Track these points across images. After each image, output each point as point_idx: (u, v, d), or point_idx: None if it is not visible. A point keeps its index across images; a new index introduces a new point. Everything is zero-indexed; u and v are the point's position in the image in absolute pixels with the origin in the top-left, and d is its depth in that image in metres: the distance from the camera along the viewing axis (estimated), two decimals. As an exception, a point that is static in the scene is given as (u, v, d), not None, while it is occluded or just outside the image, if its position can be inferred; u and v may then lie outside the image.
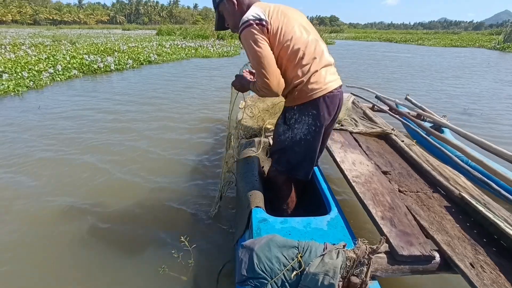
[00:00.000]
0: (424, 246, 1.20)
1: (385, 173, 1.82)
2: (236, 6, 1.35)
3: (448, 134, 3.13)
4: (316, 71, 1.32)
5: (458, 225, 1.35)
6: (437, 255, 1.18)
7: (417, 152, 2.11)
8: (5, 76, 6.52)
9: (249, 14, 1.26)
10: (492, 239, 1.27)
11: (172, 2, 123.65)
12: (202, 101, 5.43)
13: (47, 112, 4.62)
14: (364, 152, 2.12)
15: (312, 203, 1.83)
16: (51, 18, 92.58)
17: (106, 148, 3.31)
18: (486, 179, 1.94)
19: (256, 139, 2.05)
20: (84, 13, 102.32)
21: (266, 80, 1.27)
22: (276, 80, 1.28)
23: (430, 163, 1.93)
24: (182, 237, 1.66)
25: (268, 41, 1.26)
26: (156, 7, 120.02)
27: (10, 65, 7.59)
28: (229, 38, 22.23)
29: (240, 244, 1.38)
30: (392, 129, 2.50)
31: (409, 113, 3.54)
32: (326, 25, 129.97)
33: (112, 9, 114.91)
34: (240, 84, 1.54)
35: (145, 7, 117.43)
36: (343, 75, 7.71)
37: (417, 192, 1.63)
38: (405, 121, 3.34)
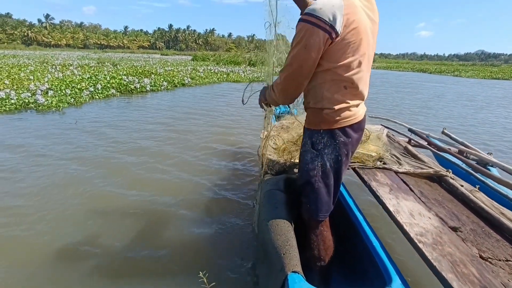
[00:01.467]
0: None
1: (455, 229, 1.42)
2: None
3: (496, 174, 2.68)
4: (357, 105, 1.20)
5: None
6: None
7: (484, 201, 1.70)
8: (50, 92, 7.00)
9: (320, 7, 1.00)
10: None
11: (208, 31, 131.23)
12: (234, 117, 5.41)
13: (83, 126, 4.80)
14: (420, 198, 1.71)
15: (354, 264, 1.51)
16: (99, 43, 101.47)
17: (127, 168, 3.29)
18: None
19: (284, 176, 1.78)
20: (128, 38, 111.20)
21: (279, 88, 1.20)
22: (285, 95, 1.21)
23: (508, 218, 1.52)
24: (200, 272, 1.48)
25: (324, 48, 1.05)
26: (193, 35, 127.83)
27: (56, 83, 8.18)
28: (260, 65, 22.79)
29: None
30: (447, 170, 2.07)
31: (449, 149, 3.05)
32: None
33: (153, 36, 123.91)
34: (263, 96, 1.42)
35: (183, 34, 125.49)
36: (378, 105, 7.42)
37: (507, 260, 1.24)
38: (449, 158, 2.85)
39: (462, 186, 1.85)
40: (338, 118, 1.17)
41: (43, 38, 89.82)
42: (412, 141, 3.28)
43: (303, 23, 1.02)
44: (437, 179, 2.04)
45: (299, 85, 1.15)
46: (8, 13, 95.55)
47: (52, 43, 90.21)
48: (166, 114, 6.05)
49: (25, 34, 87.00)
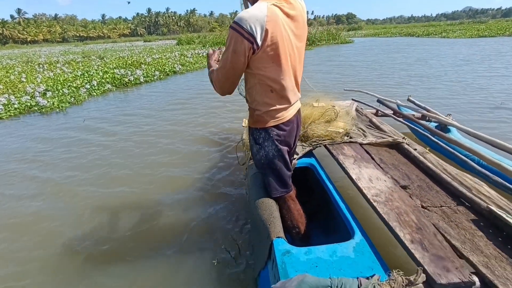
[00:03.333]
0: (462, 271, 1.11)
1: (404, 187, 1.74)
2: None
3: (456, 134, 3.10)
4: (285, 108, 1.37)
5: (491, 242, 1.27)
6: (476, 280, 1.09)
7: (432, 160, 2.04)
8: (49, 93, 7.09)
9: (245, 18, 1.11)
10: None
11: (189, 11, 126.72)
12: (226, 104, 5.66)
13: (91, 124, 5.03)
14: (379, 165, 2.02)
15: (329, 225, 1.82)
16: (78, 35, 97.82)
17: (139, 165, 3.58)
18: (508, 184, 1.92)
19: None
20: (108, 28, 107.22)
21: (216, 83, 1.33)
22: (223, 90, 1.34)
23: (448, 172, 1.87)
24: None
25: (248, 55, 1.19)
26: (174, 17, 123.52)
27: (51, 83, 8.23)
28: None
29: (261, 276, 1.44)
30: (403, 138, 2.43)
31: (413, 115, 3.49)
32: (343, 23, 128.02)
33: (133, 22, 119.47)
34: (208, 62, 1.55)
35: (164, 18, 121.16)
36: (372, 81, 7.65)
37: (441, 206, 1.56)
38: (411, 124, 3.31)
39: (415, 149, 2.22)
40: (268, 118, 1.36)
41: (19, 34, 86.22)
42: (379, 111, 3.66)
43: (232, 30, 1.13)
44: (395, 145, 2.39)
45: (233, 83, 1.31)
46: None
47: (28, 39, 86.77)
48: (163, 104, 6.26)
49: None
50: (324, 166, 2.09)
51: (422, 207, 1.55)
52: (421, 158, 2.06)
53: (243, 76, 1.39)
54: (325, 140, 2.33)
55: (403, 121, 3.38)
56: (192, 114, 5.36)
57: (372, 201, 1.58)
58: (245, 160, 2.30)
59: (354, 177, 1.84)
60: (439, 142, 2.75)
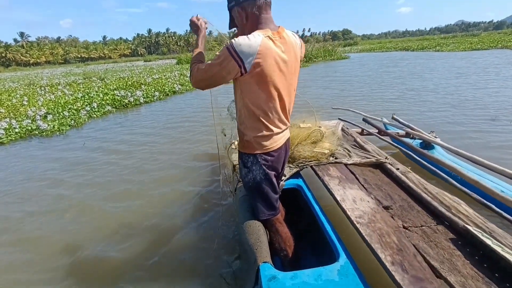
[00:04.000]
0: None
1: (386, 208, 1.78)
2: (244, 19, 1.34)
3: (439, 150, 3.20)
4: (273, 134, 1.41)
5: (468, 261, 1.31)
6: None
7: (414, 180, 2.10)
8: (49, 117, 7.21)
9: (241, 43, 1.19)
10: (505, 273, 1.24)
11: (188, 31, 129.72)
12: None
13: (91, 147, 5.09)
14: (363, 185, 2.06)
15: (317, 246, 1.84)
16: (79, 56, 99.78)
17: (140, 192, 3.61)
18: (485, 201, 1.99)
19: None
20: (108, 48, 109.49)
21: (193, 78, 1.37)
22: (197, 84, 1.39)
23: (429, 191, 1.92)
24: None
25: (235, 76, 1.27)
26: (174, 37, 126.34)
27: (52, 106, 8.37)
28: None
29: None
30: (386, 158, 2.49)
31: (397, 133, 3.59)
32: (339, 39, 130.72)
33: (133, 43, 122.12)
34: (193, 30, 1.65)
35: (164, 38, 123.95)
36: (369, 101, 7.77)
37: (422, 226, 1.59)
38: (394, 143, 3.41)
39: (398, 169, 2.27)
40: (256, 146, 1.41)
41: (21, 57, 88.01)
42: (364, 130, 3.76)
43: (227, 49, 1.21)
44: (379, 165, 2.44)
45: (207, 86, 1.39)
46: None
47: (31, 61, 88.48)
48: (161, 125, 6.34)
49: (3, 55, 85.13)
50: (312, 186, 2.14)
51: (404, 227, 1.58)
52: (403, 178, 2.10)
53: (233, 98, 1.46)
54: (312, 161, 2.38)
55: (388, 139, 3.47)
56: (190, 132, 5.43)
57: (355, 223, 1.60)
58: (234, 182, 2.32)
59: (338, 198, 1.87)
60: (422, 160, 2.83)
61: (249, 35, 1.23)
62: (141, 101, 9.27)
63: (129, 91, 10.27)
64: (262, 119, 1.36)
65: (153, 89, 10.83)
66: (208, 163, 3.95)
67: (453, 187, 2.29)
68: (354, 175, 2.22)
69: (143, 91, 10.44)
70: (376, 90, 8.77)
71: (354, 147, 2.85)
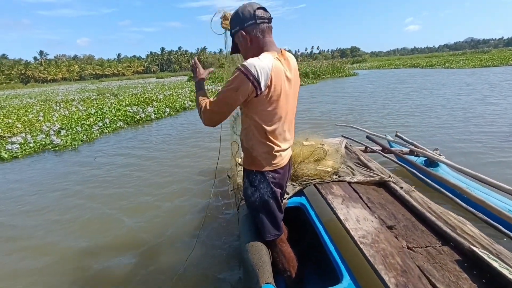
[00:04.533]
0: None
1: (390, 228, 1.75)
2: (249, 43, 1.36)
3: (444, 168, 3.16)
4: (281, 150, 1.43)
5: (475, 285, 1.27)
6: None
7: (418, 199, 2.06)
8: (63, 132, 7.40)
9: (255, 65, 1.22)
10: None
11: (199, 50, 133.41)
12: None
13: (101, 162, 5.18)
14: (366, 204, 2.04)
15: (321, 265, 1.80)
16: (94, 73, 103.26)
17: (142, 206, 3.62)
18: (492, 221, 1.93)
19: None
20: (122, 65, 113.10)
21: (206, 113, 1.34)
22: (210, 121, 1.36)
23: (433, 211, 1.88)
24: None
25: (249, 97, 1.28)
26: (185, 55, 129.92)
27: (66, 121, 8.61)
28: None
29: None
30: (390, 176, 2.45)
31: (401, 151, 3.56)
32: (348, 56, 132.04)
33: (146, 60, 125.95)
34: (195, 77, 1.60)
35: (176, 56, 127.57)
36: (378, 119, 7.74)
37: (426, 247, 1.55)
38: (399, 161, 3.37)
39: (401, 188, 2.23)
40: (264, 163, 1.42)
41: (40, 74, 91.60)
42: (368, 148, 3.71)
43: (240, 72, 1.22)
44: (383, 183, 2.40)
45: (223, 117, 1.37)
46: (4, 54, 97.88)
47: (49, 78, 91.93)
48: (171, 140, 6.42)
49: (22, 72, 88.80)
50: (315, 205, 2.11)
51: (408, 248, 1.55)
52: (407, 196, 2.07)
53: (238, 118, 1.46)
54: (315, 179, 2.36)
55: (392, 157, 3.44)
56: (200, 148, 5.47)
57: (359, 243, 1.58)
58: (237, 201, 2.31)
59: (342, 217, 1.84)
60: (426, 178, 2.78)
61: (259, 57, 1.27)
62: (152, 117, 9.45)
63: (140, 107, 10.50)
64: (270, 136, 1.38)
65: (164, 106, 11.05)
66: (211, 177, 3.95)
67: (458, 206, 2.24)
68: (358, 193, 2.19)
69: (155, 107, 10.66)
70: (384, 106, 8.73)
71: (357, 165, 2.82)
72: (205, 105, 1.35)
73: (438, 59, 43.43)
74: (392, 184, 2.29)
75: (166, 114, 10.01)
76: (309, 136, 2.66)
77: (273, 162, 1.43)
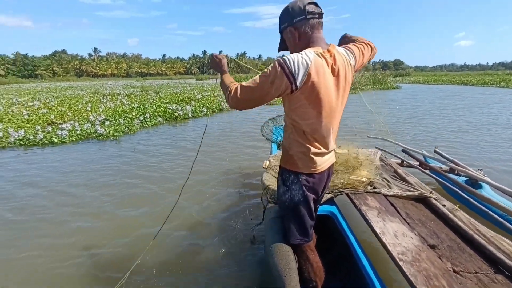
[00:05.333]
0: None
1: (433, 247, 1.59)
2: (297, 39, 1.31)
3: (488, 190, 2.85)
4: (319, 154, 1.35)
5: None
6: None
7: (463, 219, 1.88)
8: (107, 122, 7.84)
9: (294, 59, 1.17)
10: None
11: (239, 54, 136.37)
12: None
13: (140, 152, 5.40)
14: (404, 220, 1.89)
15: (350, 279, 1.67)
16: (140, 71, 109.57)
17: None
18: None
19: None
20: (166, 66, 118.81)
21: (234, 99, 1.28)
22: (237, 105, 1.30)
23: (482, 234, 1.69)
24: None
25: (284, 92, 1.23)
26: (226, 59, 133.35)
27: (110, 113, 9.14)
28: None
29: None
30: (431, 192, 2.26)
31: (441, 168, 3.28)
32: (390, 69, 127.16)
33: (188, 62, 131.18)
34: (214, 66, 1.60)
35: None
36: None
37: (476, 273, 1.38)
38: (438, 177, 3.13)
39: (444, 206, 2.04)
40: (299, 164, 1.34)
41: (92, 69, 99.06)
42: (404, 162, 3.48)
43: (278, 64, 1.18)
44: (422, 199, 2.21)
45: (250, 104, 1.30)
46: (63, 50, 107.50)
47: (99, 73, 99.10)
48: (206, 138, 6.52)
49: (77, 67, 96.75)
50: (346, 215, 1.99)
51: (454, 271, 1.40)
52: (451, 215, 1.90)
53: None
54: (348, 188, 2.22)
55: (430, 173, 3.23)
56: (237, 144, 5.49)
57: (397, 259, 1.44)
58: (264, 202, 2.23)
59: (378, 231, 1.71)
60: (470, 198, 2.54)
61: (301, 52, 1.21)
62: (190, 115, 9.72)
63: (179, 105, 10.87)
64: (308, 136, 1.31)
65: (201, 105, 11.35)
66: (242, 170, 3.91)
67: (509, 232, 2.05)
68: (395, 207, 2.04)
69: (193, 106, 10.98)
70: (426, 121, 8.18)
71: (394, 178, 2.65)
72: (235, 88, 1.29)
73: (491, 77, 40.11)
74: (434, 201, 2.12)
75: (202, 113, 10.26)
76: (342, 144, 2.55)
77: (309, 164, 1.35)
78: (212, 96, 15.07)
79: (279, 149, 3.31)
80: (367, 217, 1.86)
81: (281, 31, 1.39)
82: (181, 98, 13.51)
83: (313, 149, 1.33)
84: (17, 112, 9.62)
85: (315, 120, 1.28)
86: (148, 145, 6.05)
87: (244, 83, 1.29)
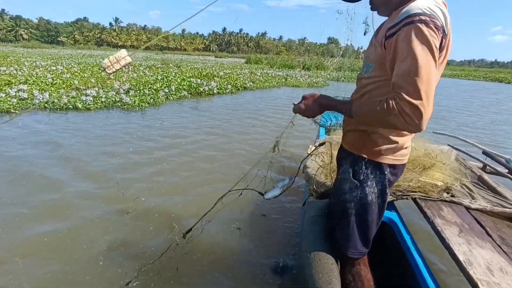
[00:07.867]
0: None
1: None
2: None
3: None
4: (408, 143, 1.09)
5: None
6: None
7: None
8: (131, 92, 7.56)
9: (426, 6, 0.85)
10: None
11: (260, 34, 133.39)
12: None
13: (167, 126, 5.09)
14: (500, 247, 1.41)
15: None
16: (159, 45, 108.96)
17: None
18: None
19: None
20: (185, 41, 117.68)
21: (419, 100, 0.82)
22: (430, 109, 0.85)
23: None
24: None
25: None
26: (245, 38, 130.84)
27: (134, 83, 8.85)
28: (315, 69, 22.48)
29: None
30: None
31: None
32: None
33: (208, 39, 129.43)
34: (313, 108, 1.10)
35: (236, 38, 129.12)
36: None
37: None
38: None
39: None
40: (385, 152, 1.04)
41: (112, 39, 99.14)
42: (487, 167, 2.79)
43: (423, 24, 0.83)
44: None
45: (432, 100, 0.85)
46: (85, 17, 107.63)
47: (119, 44, 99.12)
48: (235, 115, 6.16)
49: (98, 36, 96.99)
50: (407, 223, 1.60)
51: None
52: None
53: None
54: (416, 192, 1.76)
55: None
56: (265, 122, 5.11)
57: None
58: (305, 195, 1.84)
59: (461, 258, 1.27)
60: None
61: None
62: (215, 91, 9.37)
63: (203, 81, 10.49)
64: None
65: (225, 82, 10.93)
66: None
67: None
68: (483, 227, 1.58)
69: (217, 82, 10.58)
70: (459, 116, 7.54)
71: (477, 186, 2.11)
72: (395, 100, 0.85)
73: (528, 76, 37.75)
74: None
75: (227, 91, 9.89)
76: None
77: (397, 153, 1.06)
78: (234, 74, 14.58)
79: (328, 134, 2.91)
80: (443, 235, 1.42)
81: None
82: (204, 73, 13.09)
83: (406, 135, 1.06)
84: (41, 75, 9.46)
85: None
86: (173, 120, 5.76)
87: (409, 76, 0.83)
